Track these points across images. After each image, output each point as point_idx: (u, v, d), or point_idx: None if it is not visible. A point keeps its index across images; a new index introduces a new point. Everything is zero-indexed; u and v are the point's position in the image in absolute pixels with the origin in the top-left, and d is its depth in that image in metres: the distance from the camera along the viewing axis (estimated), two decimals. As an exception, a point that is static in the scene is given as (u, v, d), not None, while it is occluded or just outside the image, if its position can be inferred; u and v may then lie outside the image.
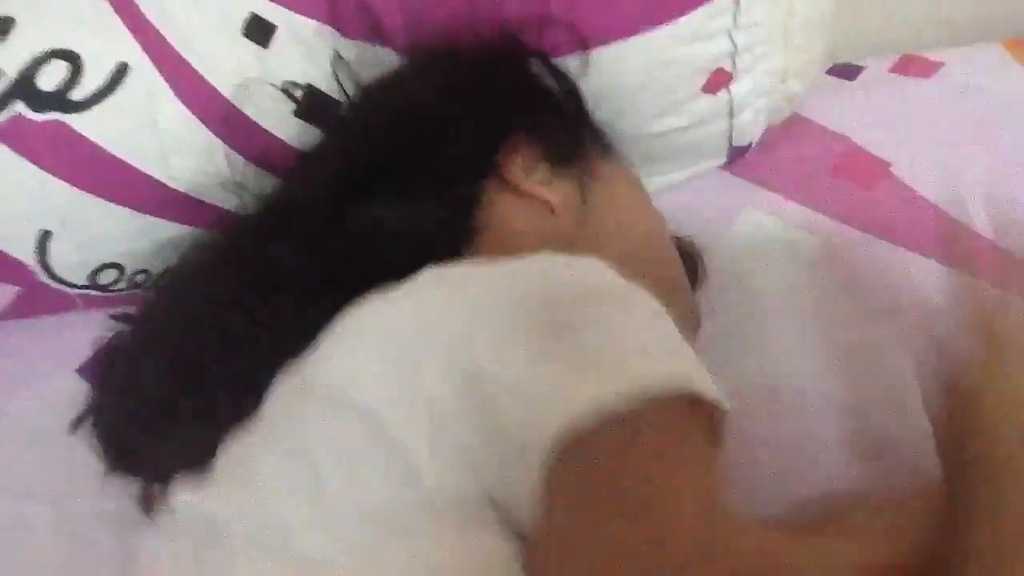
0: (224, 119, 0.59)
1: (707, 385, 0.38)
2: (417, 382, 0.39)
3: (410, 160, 0.54)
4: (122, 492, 0.55)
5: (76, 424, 0.55)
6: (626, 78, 0.64)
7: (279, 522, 0.40)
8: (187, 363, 0.50)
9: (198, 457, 0.45)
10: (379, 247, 0.51)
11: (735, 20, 0.64)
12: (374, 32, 0.61)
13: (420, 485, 0.38)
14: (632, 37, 0.62)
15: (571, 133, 0.60)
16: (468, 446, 0.38)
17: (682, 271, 0.61)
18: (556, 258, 0.43)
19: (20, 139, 0.56)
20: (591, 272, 0.42)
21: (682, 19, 0.63)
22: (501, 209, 0.55)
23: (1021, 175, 0.71)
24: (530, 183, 0.55)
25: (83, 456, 0.53)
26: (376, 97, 0.60)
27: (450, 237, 0.53)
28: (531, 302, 0.40)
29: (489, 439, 0.37)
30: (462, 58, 0.59)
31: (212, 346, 0.49)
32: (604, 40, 0.62)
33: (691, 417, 0.38)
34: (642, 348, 0.38)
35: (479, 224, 0.54)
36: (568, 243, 0.53)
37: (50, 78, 0.56)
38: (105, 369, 0.56)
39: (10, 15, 0.56)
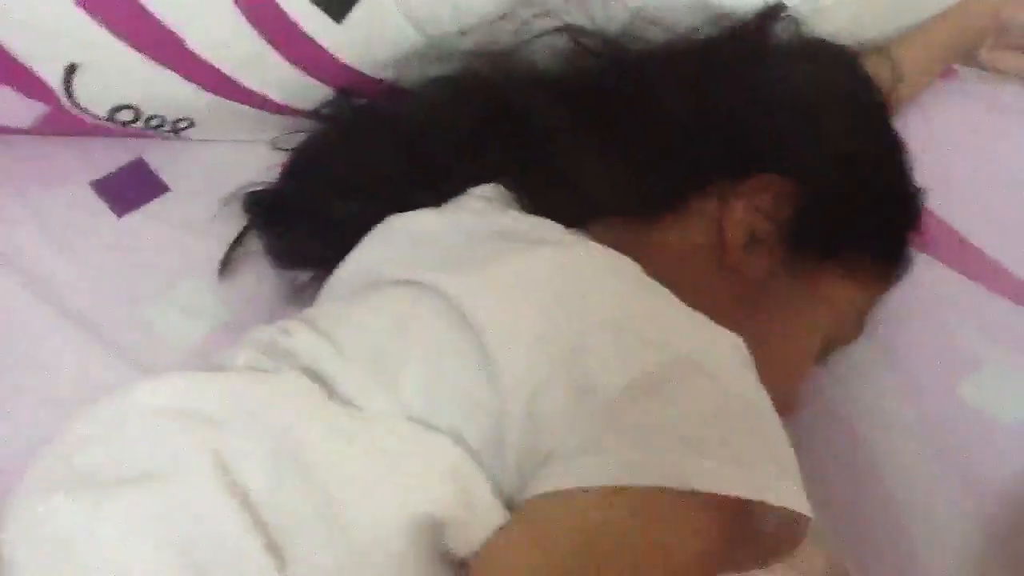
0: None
1: (804, 504, 0.37)
2: (542, 342, 0.40)
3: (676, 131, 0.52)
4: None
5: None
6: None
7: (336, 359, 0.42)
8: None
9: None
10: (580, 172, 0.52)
11: None
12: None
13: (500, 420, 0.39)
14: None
15: (844, 230, 0.50)
16: (548, 416, 0.38)
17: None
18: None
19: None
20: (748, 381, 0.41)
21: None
22: (686, 227, 0.49)
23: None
24: (740, 233, 0.48)
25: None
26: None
27: (630, 208, 0.50)
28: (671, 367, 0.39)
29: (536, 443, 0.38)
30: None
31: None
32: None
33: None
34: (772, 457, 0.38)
35: (662, 222, 0.50)
36: (713, 306, 0.43)
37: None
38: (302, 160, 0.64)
39: None
